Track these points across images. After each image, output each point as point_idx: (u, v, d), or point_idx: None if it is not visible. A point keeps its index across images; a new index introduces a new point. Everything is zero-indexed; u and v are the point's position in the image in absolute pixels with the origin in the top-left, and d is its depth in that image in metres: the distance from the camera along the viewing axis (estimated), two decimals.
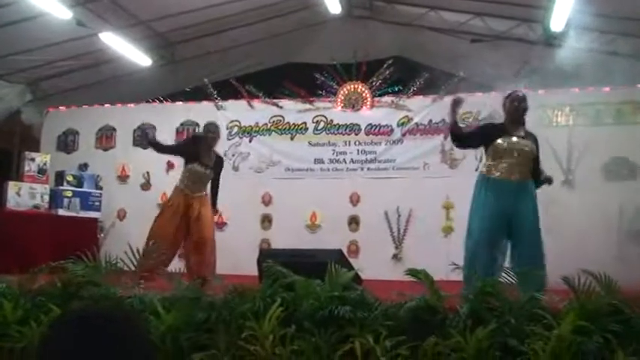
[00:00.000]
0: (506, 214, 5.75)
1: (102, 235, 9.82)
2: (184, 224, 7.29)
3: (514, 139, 5.75)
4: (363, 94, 9.95)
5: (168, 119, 10.57)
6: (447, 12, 10.17)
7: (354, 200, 9.71)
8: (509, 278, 4.72)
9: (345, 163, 9.92)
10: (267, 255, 5.94)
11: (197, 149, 7.42)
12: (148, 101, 11.06)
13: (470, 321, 4.05)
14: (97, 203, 9.65)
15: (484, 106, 9.39)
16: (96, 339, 1.49)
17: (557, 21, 8.60)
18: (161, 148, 7.87)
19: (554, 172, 8.85)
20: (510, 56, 9.33)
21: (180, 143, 8.61)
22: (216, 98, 10.41)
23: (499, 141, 5.73)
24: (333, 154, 9.96)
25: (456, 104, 5.88)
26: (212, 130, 7.53)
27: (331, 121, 10.03)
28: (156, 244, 6.54)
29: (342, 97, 10.02)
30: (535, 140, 5.94)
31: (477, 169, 9.16)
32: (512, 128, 5.81)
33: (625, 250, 8.44)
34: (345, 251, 7.53)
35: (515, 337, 3.94)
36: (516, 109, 5.85)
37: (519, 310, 4.10)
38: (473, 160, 9.29)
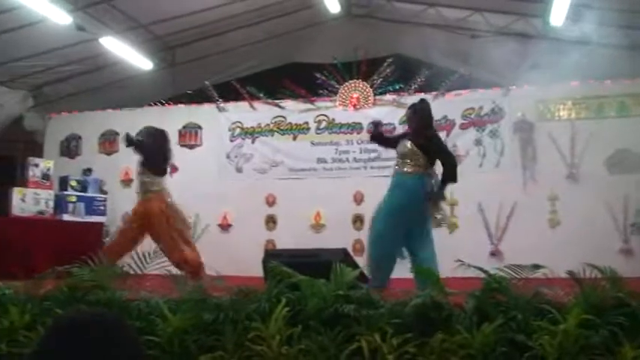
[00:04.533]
0: None
1: (107, 239, 9.83)
2: None
3: None
4: (365, 93, 9.95)
5: (171, 122, 10.54)
6: (446, 8, 10.16)
7: (358, 199, 9.71)
8: None
9: (348, 162, 9.93)
10: (272, 255, 5.95)
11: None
12: (149, 105, 11.07)
13: (476, 317, 4.05)
14: (101, 207, 9.67)
15: (485, 102, 9.39)
16: (86, 343, 1.54)
17: (557, 15, 8.59)
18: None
19: (558, 166, 8.90)
20: (511, 51, 9.31)
21: None
22: (218, 100, 10.43)
23: None
24: (336, 153, 9.97)
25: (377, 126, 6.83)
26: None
27: (333, 120, 10.04)
28: None
29: (344, 96, 10.02)
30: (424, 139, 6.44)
31: (480, 166, 9.23)
32: None
33: (630, 242, 8.45)
34: (350, 250, 7.53)
35: (522, 332, 3.94)
36: None
37: (525, 305, 4.10)
38: (476, 156, 9.30)
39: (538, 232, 8.65)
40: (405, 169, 6.27)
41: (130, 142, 7.66)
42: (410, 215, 6.18)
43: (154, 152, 7.71)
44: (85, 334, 1.55)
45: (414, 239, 6.22)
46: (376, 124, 6.84)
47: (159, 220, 7.45)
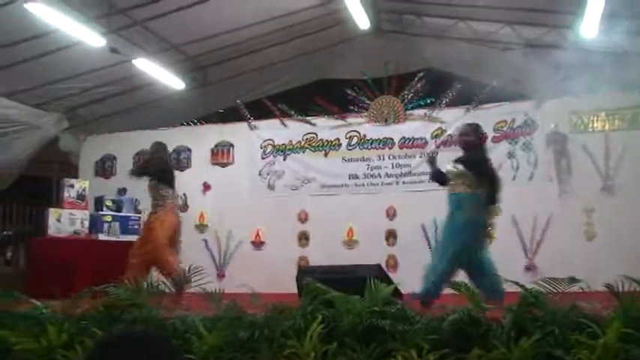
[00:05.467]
0: None
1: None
2: None
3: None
4: (396, 108, 9.95)
5: (203, 141, 10.67)
6: (477, 22, 10.14)
7: (391, 214, 9.68)
8: None
9: (380, 177, 9.90)
10: (305, 272, 5.96)
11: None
12: (182, 124, 11.19)
13: (513, 332, 4.01)
14: (136, 227, 9.73)
15: (517, 114, 9.32)
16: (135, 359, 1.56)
17: (589, 25, 8.51)
18: None
19: (593, 178, 8.78)
20: (542, 63, 9.26)
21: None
22: (250, 118, 10.49)
23: None
24: (368, 168, 9.95)
25: (432, 162, 6.81)
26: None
27: (364, 136, 10.03)
28: None
29: (375, 112, 10.02)
30: (466, 159, 6.54)
31: (513, 179, 9.13)
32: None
33: None
34: (383, 266, 7.51)
35: (560, 347, 3.89)
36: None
37: (563, 319, 4.05)
38: (509, 169, 9.22)
39: (574, 244, 8.53)
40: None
41: (140, 172, 8.22)
42: None
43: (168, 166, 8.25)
44: (130, 352, 1.57)
45: None
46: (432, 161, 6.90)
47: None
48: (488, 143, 9.36)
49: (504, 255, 8.67)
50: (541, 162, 9.14)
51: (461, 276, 5.90)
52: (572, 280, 4.56)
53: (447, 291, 4.81)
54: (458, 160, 6.49)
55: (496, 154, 9.33)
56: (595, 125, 9.10)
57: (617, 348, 3.71)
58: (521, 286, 4.56)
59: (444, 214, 9.17)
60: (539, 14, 9.51)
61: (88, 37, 8.55)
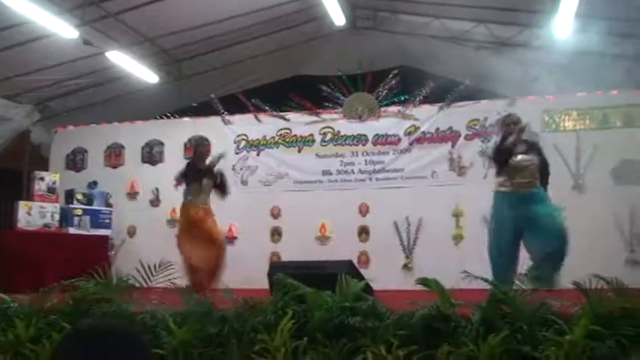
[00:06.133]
0: (518, 224, 6.50)
1: (113, 252, 9.84)
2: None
3: (520, 157, 6.50)
4: (370, 105, 9.95)
5: (176, 135, 10.59)
6: (451, 20, 10.18)
7: (363, 211, 9.70)
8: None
9: (353, 173, 9.91)
10: (277, 268, 5.94)
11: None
12: (155, 118, 11.10)
13: (482, 328, 4.04)
14: (107, 221, 9.68)
15: (490, 113, 9.37)
16: (104, 352, 1.55)
17: (562, 25, 8.59)
18: None
19: (564, 177, 8.87)
20: (516, 62, 9.33)
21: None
22: (223, 113, 10.43)
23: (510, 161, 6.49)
24: (341, 165, 9.95)
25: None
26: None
27: (338, 132, 10.04)
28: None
29: (349, 109, 10.02)
30: (538, 149, 6.70)
31: (485, 177, 9.19)
32: (518, 147, 6.56)
33: (636, 253, 8.41)
34: (355, 262, 7.51)
35: (528, 343, 3.92)
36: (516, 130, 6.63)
37: (531, 316, 4.09)
38: (481, 167, 9.26)
39: None
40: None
41: None
42: None
43: None
44: (103, 342, 1.57)
45: None
46: None
47: None
48: (461, 141, 9.48)
49: (475, 252, 8.74)
50: None
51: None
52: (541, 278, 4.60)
53: (418, 287, 4.82)
54: (531, 151, 6.54)
55: (468, 152, 9.42)
56: (566, 124, 9.19)
57: (583, 345, 3.75)
58: (491, 282, 4.59)
59: (417, 210, 9.31)
60: (512, 13, 9.58)
61: (60, 28, 8.46)
